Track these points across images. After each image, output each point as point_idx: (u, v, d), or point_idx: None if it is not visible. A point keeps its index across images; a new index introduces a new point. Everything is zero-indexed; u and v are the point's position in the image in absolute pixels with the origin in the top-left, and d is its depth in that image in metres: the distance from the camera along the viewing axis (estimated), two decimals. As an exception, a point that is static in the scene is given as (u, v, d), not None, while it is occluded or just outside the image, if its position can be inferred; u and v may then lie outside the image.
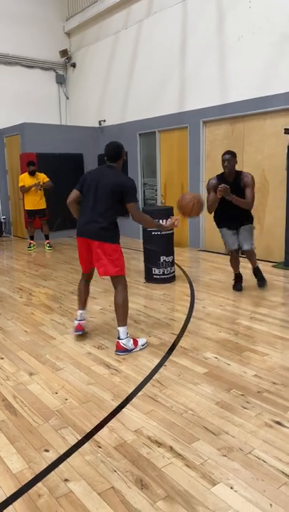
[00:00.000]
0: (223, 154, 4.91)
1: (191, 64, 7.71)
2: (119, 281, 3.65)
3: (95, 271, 3.74)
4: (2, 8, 10.06)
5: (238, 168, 5.01)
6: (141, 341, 3.70)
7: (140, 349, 3.62)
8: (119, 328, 3.61)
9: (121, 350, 3.56)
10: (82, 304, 4.00)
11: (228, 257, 5.41)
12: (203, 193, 6.11)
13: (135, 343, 3.63)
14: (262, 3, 6.47)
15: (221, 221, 5.17)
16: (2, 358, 3.51)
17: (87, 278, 3.96)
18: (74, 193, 3.72)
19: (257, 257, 5.28)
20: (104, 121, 10.00)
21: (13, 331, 4.15)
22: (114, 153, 3.63)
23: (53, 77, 11.21)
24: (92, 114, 10.39)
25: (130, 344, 3.60)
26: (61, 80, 11.27)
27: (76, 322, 3.96)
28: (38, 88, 10.91)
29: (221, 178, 4.98)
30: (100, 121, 10.09)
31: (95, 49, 10.25)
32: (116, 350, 3.58)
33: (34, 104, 10.72)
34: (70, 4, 10.87)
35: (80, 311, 3.99)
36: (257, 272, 5.30)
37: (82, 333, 3.93)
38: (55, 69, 11.20)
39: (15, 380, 3.14)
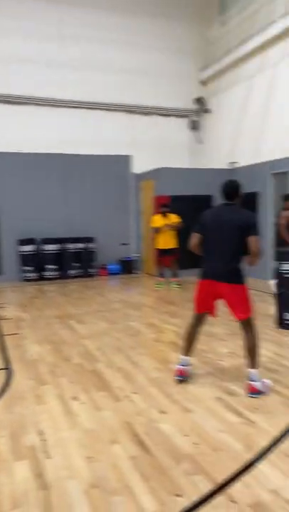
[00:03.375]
0: None
1: None
2: (249, 324, 3.55)
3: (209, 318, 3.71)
4: (143, 65, 11.06)
5: None
6: (269, 383, 3.59)
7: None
8: (251, 370, 3.51)
9: (254, 392, 3.44)
10: (186, 351, 3.82)
11: None
12: None
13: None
14: None
15: None
16: (136, 393, 3.63)
17: (198, 322, 3.81)
18: (196, 237, 3.69)
19: None
20: (236, 162, 10.08)
21: (145, 366, 4.28)
22: (233, 192, 3.64)
23: (187, 123, 11.79)
24: (223, 156, 10.57)
25: (263, 386, 3.49)
26: (195, 126, 11.79)
27: (178, 367, 3.83)
28: (172, 135, 11.56)
29: None
30: (231, 163, 10.19)
31: (229, 94, 10.56)
32: (249, 393, 3.46)
33: (168, 150, 11.33)
34: (207, 55, 11.46)
35: (183, 357, 3.84)
36: None
37: (184, 379, 3.79)
38: (189, 116, 11.79)
39: (146, 416, 3.20)
